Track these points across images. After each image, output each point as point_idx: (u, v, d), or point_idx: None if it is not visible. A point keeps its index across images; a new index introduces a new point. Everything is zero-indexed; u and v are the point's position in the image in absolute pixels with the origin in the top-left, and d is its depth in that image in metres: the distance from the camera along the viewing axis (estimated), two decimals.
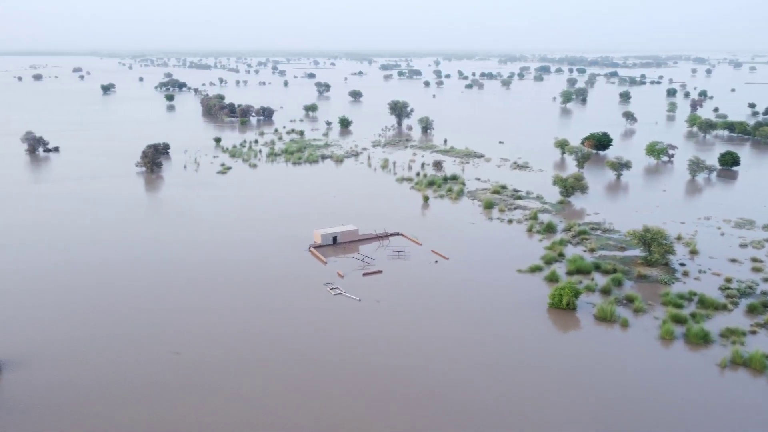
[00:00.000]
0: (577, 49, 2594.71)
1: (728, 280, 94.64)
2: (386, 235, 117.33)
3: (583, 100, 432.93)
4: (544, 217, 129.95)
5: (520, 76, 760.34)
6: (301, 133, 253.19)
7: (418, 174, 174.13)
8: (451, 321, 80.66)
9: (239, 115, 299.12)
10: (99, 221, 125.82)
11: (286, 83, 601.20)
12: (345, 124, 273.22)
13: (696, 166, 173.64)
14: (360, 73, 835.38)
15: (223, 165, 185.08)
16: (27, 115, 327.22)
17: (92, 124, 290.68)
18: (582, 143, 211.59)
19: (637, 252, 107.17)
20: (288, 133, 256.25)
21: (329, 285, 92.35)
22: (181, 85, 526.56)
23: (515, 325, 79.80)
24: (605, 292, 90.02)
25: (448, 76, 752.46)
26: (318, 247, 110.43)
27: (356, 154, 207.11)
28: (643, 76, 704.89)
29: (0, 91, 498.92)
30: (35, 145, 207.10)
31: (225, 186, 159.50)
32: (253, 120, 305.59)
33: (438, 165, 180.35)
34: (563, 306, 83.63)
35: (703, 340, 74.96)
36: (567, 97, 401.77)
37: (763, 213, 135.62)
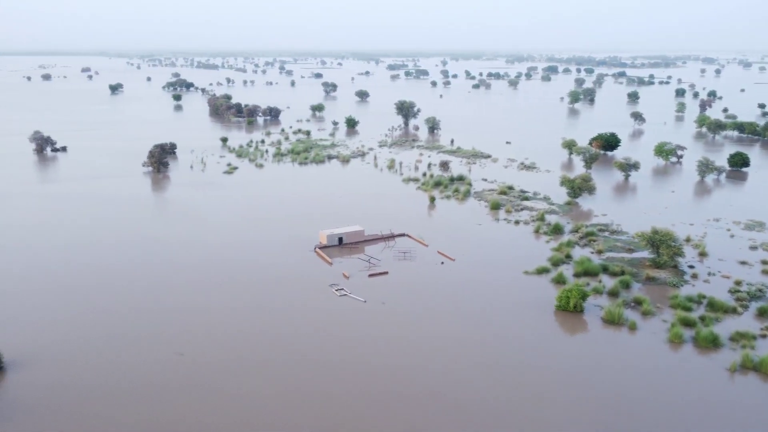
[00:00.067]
0: (577, 48, 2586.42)
1: (738, 283, 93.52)
2: (392, 236, 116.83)
3: (591, 101, 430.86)
4: (552, 218, 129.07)
5: (528, 76, 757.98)
6: (308, 133, 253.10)
7: (424, 174, 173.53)
8: (456, 322, 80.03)
9: (246, 115, 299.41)
10: (104, 221, 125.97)
11: (293, 83, 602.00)
12: (352, 124, 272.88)
13: (705, 167, 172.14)
14: (367, 73, 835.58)
15: (229, 165, 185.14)
16: (35, 114, 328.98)
17: (100, 123, 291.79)
18: (590, 144, 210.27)
19: (645, 254, 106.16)
20: (294, 133, 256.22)
21: (334, 286, 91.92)
22: (189, 85, 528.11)
23: (521, 327, 79.08)
24: (613, 294, 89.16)
25: (455, 76, 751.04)
26: (323, 247, 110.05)
27: (363, 154, 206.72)
28: (651, 76, 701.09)
29: (9, 91, 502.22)
30: (43, 144, 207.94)
31: (231, 186, 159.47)
32: (260, 120, 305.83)
33: (444, 165, 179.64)
34: (570, 308, 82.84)
35: (712, 343, 73.99)
36: (575, 98, 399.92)
37: None
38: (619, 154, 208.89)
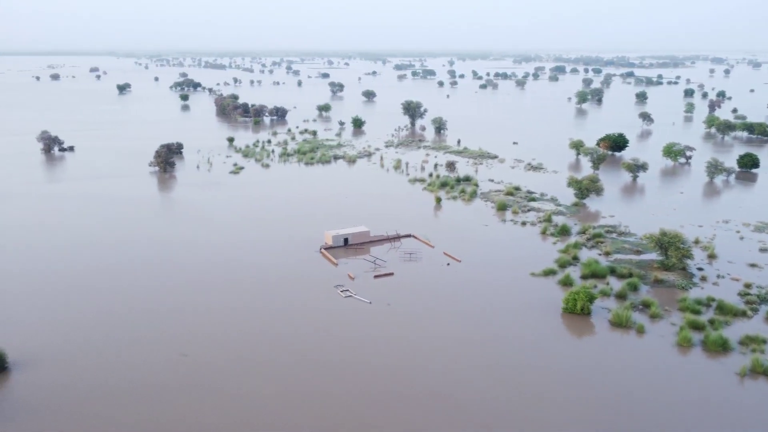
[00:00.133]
0: (578, 48, 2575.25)
1: (748, 286, 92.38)
2: (398, 237, 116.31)
3: (599, 101, 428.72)
4: (559, 220, 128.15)
5: (535, 76, 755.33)
6: (314, 133, 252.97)
7: (430, 175, 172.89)
8: (462, 324, 79.40)
9: (253, 114, 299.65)
10: (110, 221, 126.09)
11: (299, 83, 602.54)
12: (358, 124, 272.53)
13: (714, 168, 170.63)
14: (374, 73, 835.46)
15: (235, 165, 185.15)
16: (43, 114, 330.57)
17: (107, 123, 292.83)
18: (597, 144, 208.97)
19: (653, 256, 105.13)
20: (301, 133, 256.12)
21: (340, 287, 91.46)
22: (196, 85, 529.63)
23: (527, 329, 78.34)
24: (621, 296, 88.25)
25: (462, 76, 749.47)
26: (329, 248, 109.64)
27: (369, 155, 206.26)
28: (660, 76, 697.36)
29: (18, 91, 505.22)
30: (50, 144, 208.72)
31: (237, 186, 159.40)
32: (267, 120, 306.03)
33: (451, 166, 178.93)
34: (577, 311, 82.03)
35: (721, 347, 73.01)
36: (582, 98, 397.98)
37: None
38: (627, 154, 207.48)
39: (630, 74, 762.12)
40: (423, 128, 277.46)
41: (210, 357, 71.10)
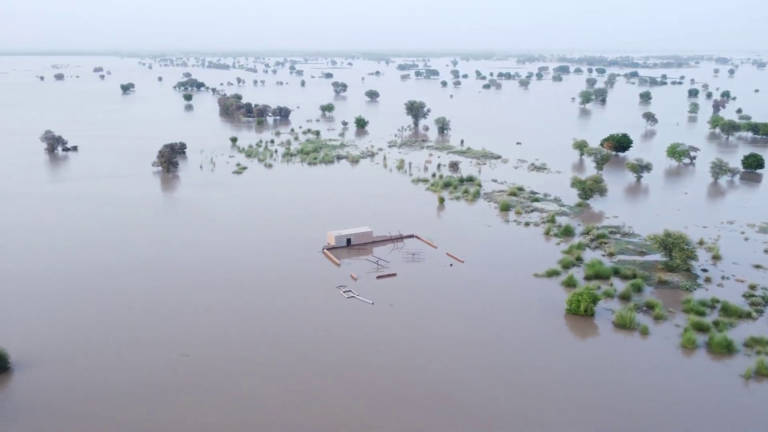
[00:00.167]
0: (579, 48, 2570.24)
1: (752, 287, 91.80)
2: (401, 237, 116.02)
3: (603, 101, 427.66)
4: (562, 220, 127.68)
5: (539, 76, 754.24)
6: (317, 133, 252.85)
7: (434, 175, 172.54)
8: (464, 325, 79.07)
9: (256, 114, 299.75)
10: (112, 221, 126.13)
11: (303, 83, 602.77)
12: (361, 124, 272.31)
13: (719, 169, 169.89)
14: (377, 73, 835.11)
15: (238, 165, 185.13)
16: (47, 114, 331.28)
17: (110, 123, 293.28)
18: (601, 144, 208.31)
19: (657, 257, 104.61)
20: (304, 133, 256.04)
21: (342, 288, 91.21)
22: (200, 85, 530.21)
23: (530, 331, 77.97)
24: (624, 298, 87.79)
25: (465, 76, 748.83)
26: (331, 248, 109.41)
27: (372, 155, 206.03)
28: (664, 76, 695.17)
29: (23, 91, 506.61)
30: (54, 144, 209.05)
31: (240, 186, 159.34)
32: (270, 120, 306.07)
33: (454, 166, 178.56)
34: (581, 312, 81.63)
35: (726, 349, 72.52)
36: (586, 98, 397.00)
37: None
38: (631, 155, 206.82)
39: (634, 74, 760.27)
40: (426, 128, 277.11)
41: (210, 357, 70.94)
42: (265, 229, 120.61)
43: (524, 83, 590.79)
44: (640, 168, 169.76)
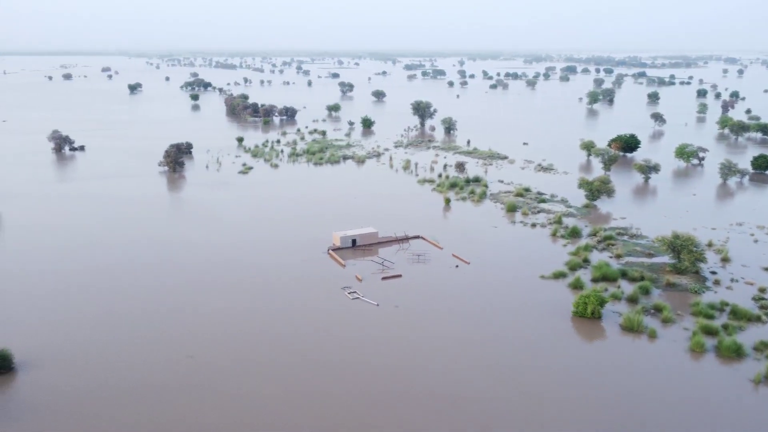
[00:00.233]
0: (576, 48, 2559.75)
1: (762, 290, 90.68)
2: (406, 238, 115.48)
3: (611, 101, 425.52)
4: (569, 222, 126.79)
5: (546, 76, 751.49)
6: (324, 133, 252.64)
7: (440, 175, 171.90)
8: (470, 327, 78.45)
9: (262, 114, 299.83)
10: (118, 221, 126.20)
11: (309, 83, 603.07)
12: (367, 124, 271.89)
13: (728, 170, 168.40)
14: (384, 73, 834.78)
15: (244, 165, 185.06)
16: (55, 113, 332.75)
17: (117, 123, 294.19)
18: (609, 145, 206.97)
19: (665, 259, 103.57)
20: (310, 133, 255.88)
21: (347, 289, 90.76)
22: (206, 85, 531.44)
23: (536, 333, 77.24)
24: (632, 300, 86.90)
25: (472, 76, 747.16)
26: (337, 249, 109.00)
27: (378, 155, 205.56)
28: (672, 76, 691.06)
29: (30, 91, 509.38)
30: (61, 143, 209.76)
31: (246, 186, 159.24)
32: (276, 120, 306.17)
33: (460, 166, 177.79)
34: (588, 315, 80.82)
35: (735, 353, 71.56)
36: (593, 98, 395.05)
37: None
38: (638, 155, 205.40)
39: (642, 74, 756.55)
40: (433, 128, 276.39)
41: (213, 357, 70.65)
42: (270, 230, 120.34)
43: (531, 83, 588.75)
44: (648, 169, 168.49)
